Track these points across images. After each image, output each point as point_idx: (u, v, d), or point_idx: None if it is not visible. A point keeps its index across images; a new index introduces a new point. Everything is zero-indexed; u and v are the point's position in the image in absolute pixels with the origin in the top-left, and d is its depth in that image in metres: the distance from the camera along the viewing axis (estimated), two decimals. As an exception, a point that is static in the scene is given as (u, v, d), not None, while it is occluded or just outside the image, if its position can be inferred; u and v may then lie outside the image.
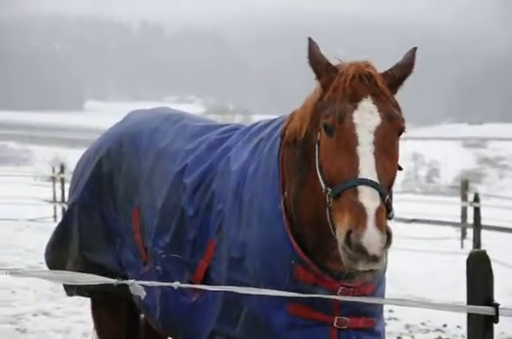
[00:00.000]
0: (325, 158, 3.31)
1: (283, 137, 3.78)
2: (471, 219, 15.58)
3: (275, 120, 4.07)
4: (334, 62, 3.48)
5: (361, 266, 3.09)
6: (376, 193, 3.11)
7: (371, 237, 3.01)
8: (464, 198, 17.99)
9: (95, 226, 4.45)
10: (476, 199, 15.44)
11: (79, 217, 4.50)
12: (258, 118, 4.33)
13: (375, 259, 3.04)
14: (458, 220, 17.96)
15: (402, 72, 3.42)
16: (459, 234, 17.75)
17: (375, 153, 3.19)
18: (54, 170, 22.54)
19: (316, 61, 3.45)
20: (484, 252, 3.37)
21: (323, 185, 3.31)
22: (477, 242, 14.48)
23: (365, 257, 3.04)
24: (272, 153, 3.78)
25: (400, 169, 3.43)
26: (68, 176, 19.14)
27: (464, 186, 18.44)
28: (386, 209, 3.15)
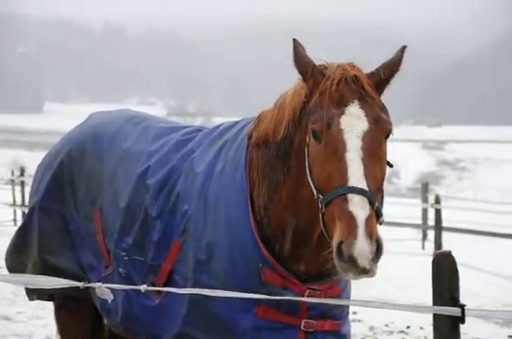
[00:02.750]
0: (314, 164, 3.31)
1: (251, 138, 3.76)
2: (431, 221, 15.71)
3: (239, 121, 4.05)
4: (319, 63, 3.45)
5: (352, 277, 3.16)
6: (366, 201, 3.12)
7: (361, 249, 3.04)
8: (425, 199, 18.16)
9: (55, 229, 4.37)
10: (437, 200, 15.59)
11: (39, 221, 4.43)
12: (219, 120, 4.32)
13: (365, 271, 3.09)
14: (419, 222, 18.12)
15: (389, 70, 3.42)
16: (420, 236, 17.91)
17: (363, 159, 3.19)
18: (13, 173, 22.24)
19: (301, 63, 3.43)
20: (449, 253, 3.39)
21: (314, 192, 3.31)
22: (438, 243, 14.62)
23: (355, 269, 3.08)
24: (239, 155, 3.76)
25: (390, 165, 3.44)
26: (28, 179, 18.91)
27: (424, 188, 18.62)
28: (376, 215, 3.16)
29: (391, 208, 21.02)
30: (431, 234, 15.63)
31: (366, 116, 3.28)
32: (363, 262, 3.05)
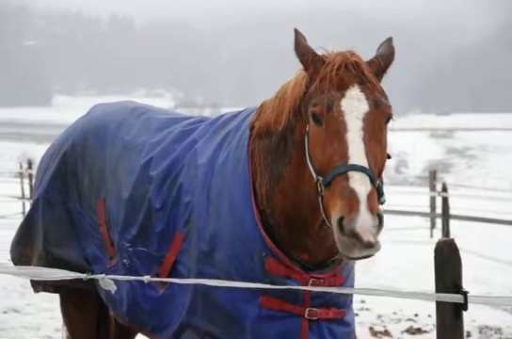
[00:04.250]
0: (314, 147, 3.30)
1: (253, 128, 3.76)
2: (439, 209, 15.69)
3: (241, 111, 4.05)
4: (320, 52, 3.47)
5: (357, 254, 3.08)
6: (367, 178, 3.11)
7: (364, 222, 3.01)
8: (432, 188, 18.13)
9: (60, 221, 4.39)
10: (444, 189, 15.55)
11: (43, 213, 4.44)
12: (227, 111, 4.31)
13: (370, 245, 3.03)
14: (427, 210, 18.09)
15: (385, 60, 3.45)
16: (429, 224, 17.88)
17: (364, 140, 3.19)
18: (21, 166, 22.28)
19: (302, 52, 3.45)
20: (452, 241, 3.38)
21: (314, 175, 3.30)
22: (446, 231, 14.60)
23: (360, 244, 3.03)
24: (241, 145, 3.76)
25: (389, 157, 3.43)
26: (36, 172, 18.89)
27: (432, 177, 18.59)
28: (377, 194, 3.15)
29: (399, 197, 21.08)
30: (440, 222, 15.60)
31: (366, 98, 3.29)
32: (367, 236, 3.00)
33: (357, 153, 3.16)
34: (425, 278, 9.41)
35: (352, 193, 3.07)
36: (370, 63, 3.42)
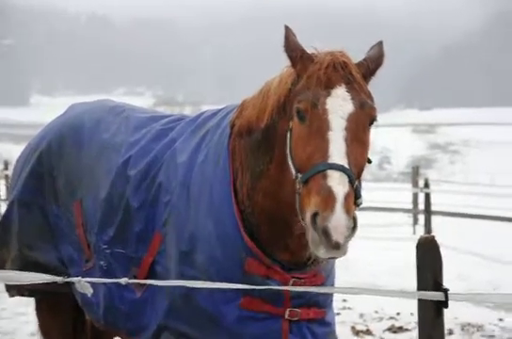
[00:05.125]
0: (296, 144, 3.31)
1: (233, 126, 3.75)
2: (422, 205, 15.76)
3: (222, 109, 4.03)
4: (310, 51, 3.47)
5: (322, 253, 3.08)
6: (346, 178, 3.11)
7: (337, 221, 3.01)
8: (415, 184, 18.20)
9: (35, 223, 4.35)
10: (426, 184, 15.61)
11: (19, 215, 4.41)
12: (209, 108, 4.30)
13: (336, 246, 3.03)
14: (410, 207, 18.16)
15: (374, 63, 3.46)
16: (411, 221, 17.95)
17: (346, 140, 3.20)
18: (-3, 167, 22.11)
19: (291, 48, 3.44)
20: (432, 237, 3.39)
21: (293, 172, 3.30)
22: (428, 228, 14.67)
23: (328, 244, 3.03)
24: (221, 144, 3.74)
25: (369, 161, 3.44)
26: (14, 172, 18.71)
27: (415, 173, 18.66)
28: (354, 195, 3.15)
29: (382, 193, 21.10)
30: (423, 218, 15.67)
31: (352, 99, 3.29)
32: (338, 236, 3.01)
33: (338, 153, 3.16)
34: (408, 275, 9.45)
35: (329, 191, 3.07)
36: (359, 65, 3.43)
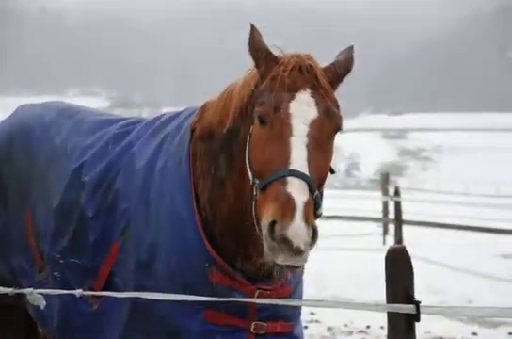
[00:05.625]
0: (255, 149, 3.31)
1: (194, 130, 3.75)
2: (393, 214, 15.85)
3: (181, 112, 4.03)
4: (275, 52, 3.48)
5: (283, 259, 3.08)
6: (306, 186, 3.12)
7: (297, 229, 3.01)
8: (385, 192, 18.28)
9: None
10: (397, 193, 15.70)
11: None
12: (169, 111, 4.30)
13: (298, 252, 3.03)
14: (380, 216, 18.26)
15: (342, 69, 3.46)
16: (381, 230, 18.04)
17: (308, 146, 3.21)
18: None
19: (256, 48, 3.45)
20: (403, 248, 3.42)
21: (250, 177, 3.31)
22: (399, 238, 14.75)
23: (289, 249, 3.02)
24: (181, 149, 3.74)
25: (332, 172, 3.46)
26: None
27: (384, 180, 18.72)
28: (314, 205, 3.16)
29: (351, 201, 21.13)
30: (393, 228, 15.77)
31: (317, 105, 3.31)
32: (298, 241, 3.01)
33: (299, 159, 3.17)
34: (378, 287, 9.53)
35: (288, 199, 3.08)
36: (326, 69, 3.43)
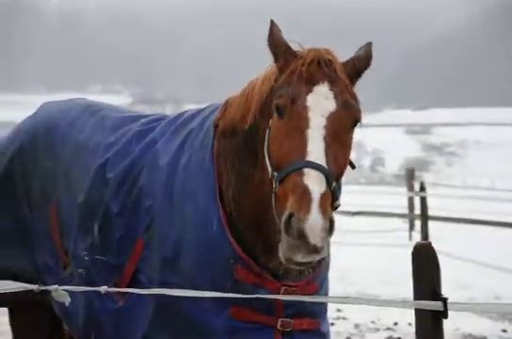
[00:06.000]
0: (273, 141, 3.33)
1: (217, 127, 3.76)
2: (418, 210, 15.79)
3: (204, 108, 4.04)
4: (294, 47, 3.50)
5: (299, 258, 3.09)
6: (323, 177, 3.13)
7: (314, 223, 3.02)
8: (410, 187, 18.21)
9: (7, 228, 4.34)
10: (422, 188, 15.64)
11: None
12: (191, 107, 4.33)
13: (315, 250, 3.05)
14: (405, 211, 18.19)
15: (361, 64, 3.47)
16: (407, 226, 17.98)
17: (325, 139, 3.22)
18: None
19: (275, 43, 3.47)
20: (429, 244, 3.41)
21: (269, 170, 3.33)
22: (425, 233, 14.69)
23: (305, 247, 3.04)
24: (205, 145, 3.76)
25: (353, 167, 3.46)
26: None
27: (409, 176, 18.66)
28: (332, 197, 3.16)
29: (376, 197, 21.02)
30: (419, 223, 15.71)
31: (335, 97, 3.32)
32: (315, 239, 3.02)
33: (316, 151, 3.19)
34: (404, 283, 9.50)
35: (305, 190, 3.09)
36: (344, 64, 3.45)
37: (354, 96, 3.39)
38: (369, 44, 3.57)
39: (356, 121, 3.36)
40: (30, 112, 4.71)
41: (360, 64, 3.47)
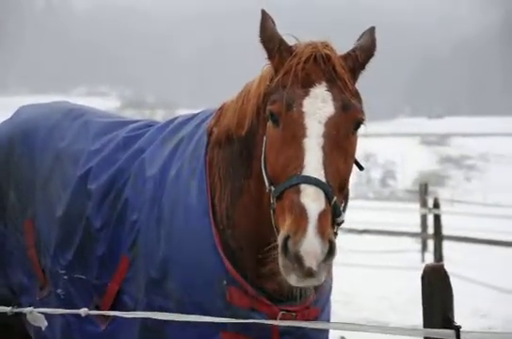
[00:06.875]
0: (269, 152, 3.33)
1: (211, 134, 3.77)
2: (432, 229, 15.78)
3: (196, 115, 4.06)
4: (290, 41, 3.48)
5: (294, 281, 3.10)
6: (321, 193, 3.13)
7: (310, 246, 3.03)
8: (423, 204, 18.19)
9: None
10: (436, 204, 15.61)
11: None
12: (184, 113, 4.34)
13: (309, 273, 3.05)
14: (418, 230, 18.18)
15: (365, 54, 3.46)
16: (419, 246, 17.97)
17: (324, 148, 3.21)
18: None
19: (268, 37, 3.45)
20: (441, 266, 3.41)
21: (266, 184, 3.32)
22: (439, 255, 14.67)
23: (299, 270, 3.05)
24: (197, 155, 3.77)
25: (361, 168, 3.47)
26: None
27: (423, 191, 18.62)
28: (333, 213, 3.16)
29: (386, 214, 20.98)
30: (432, 244, 15.70)
31: (333, 100, 3.31)
32: (310, 262, 3.03)
33: (313, 164, 3.18)
34: (415, 309, 9.48)
35: (301, 210, 3.09)
36: (345, 57, 3.43)
37: (355, 94, 3.39)
38: (371, 30, 3.55)
39: (357, 122, 3.35)
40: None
41: (362, 54, 3.45)
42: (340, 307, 10.91)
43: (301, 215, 3.08)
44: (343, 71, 3.37)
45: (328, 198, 3.15)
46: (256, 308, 3.58)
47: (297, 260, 3.04)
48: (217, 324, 3.52)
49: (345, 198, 3.35)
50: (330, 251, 3.08)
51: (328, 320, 3.87)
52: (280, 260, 3.12)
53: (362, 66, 3.47)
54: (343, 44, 3.52)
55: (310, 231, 3.04)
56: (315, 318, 3.70)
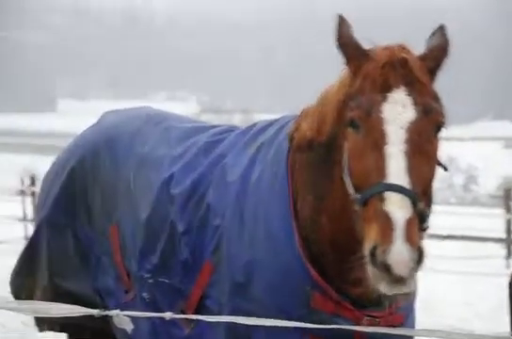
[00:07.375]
0: (351, 159, 3.33)
1: (292, 140, 3.78)
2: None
3: (277, 120, 4.06)
4: (367, 46, 3.48)
5: (385, 289, 3.09)
6: (407, 201, 3.11)
7: (398, 255, 3.02)
8: (508, 209, 17.96)
9: (67, 248, 4.43)
10: (521, 209, 15.40)
11: (48, 238, 4.48)
12: (262, 118, 4.35)
13: (401, 281, 3.04)
14: (502, 236, 17.92)
15: (439, 53, 3.44)
16: (504, 252, 17.72)
17: (407, 154, 3.20)
18: (23, 183, 22.44)
19: (344, 42, 3.45)
20: (530, 273, 3.36)
21: (350, 191, 3.32)
22: (525, 261, 14.45)
23: (390, 278, 3.04)
24: (278, 160, 3.78)
25: (444, 168, 3.44)
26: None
27: (507, 196, 18.40)
28: (419, 219, 3.15)
29: (469, 220, 20.72)
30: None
31: (413, 104, 3.29)
32: (400, 269, 3.02)
33: (396, 171, 3.17)
34: (500, 317, 9.36)
35: (387, 218, 3.08)
36: (422, 58, 3.41)
37: (435, 96, 3.36)
38: (441, 29, 3.51)
39: (439, 126, 3.33)
40: (93, 120, 4.80)
41: (438, 55, 3.43)
42: (423, 314, 10.79)
43: (387, 223, 3.07)
44: (420, 73, 3.35)
45: (414, 204, 3.13)
46: (340, 313, 3.57)
47: (386, 269, 3.03)
48: (301, 329, 3.51)
49: (429, 202, 3.32)
50: (420, 258, 3.06)
51: (413, 327, 3.83)
52: (369, 269, 3.11)
53: (439, 66, 3.45)
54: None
55: (397, 239, 3.03)
56: (400, 325, 3.68)
